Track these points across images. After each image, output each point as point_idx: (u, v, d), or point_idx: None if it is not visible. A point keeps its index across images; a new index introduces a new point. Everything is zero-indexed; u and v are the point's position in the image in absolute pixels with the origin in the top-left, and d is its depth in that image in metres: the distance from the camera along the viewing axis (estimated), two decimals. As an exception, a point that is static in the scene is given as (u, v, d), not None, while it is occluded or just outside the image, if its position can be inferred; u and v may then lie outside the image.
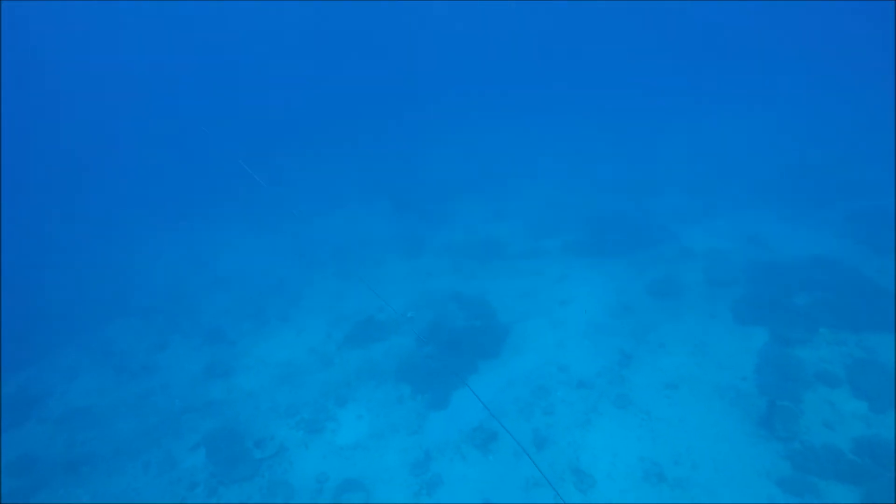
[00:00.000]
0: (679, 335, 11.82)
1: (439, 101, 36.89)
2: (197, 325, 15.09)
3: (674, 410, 9.86)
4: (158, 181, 29.04)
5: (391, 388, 11.67)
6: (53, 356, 14.89)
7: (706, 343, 11.34)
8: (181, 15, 43.19)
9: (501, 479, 9.19)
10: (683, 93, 33.26)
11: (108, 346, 14.95)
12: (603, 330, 12.64)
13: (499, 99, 36.55)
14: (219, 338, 14.23)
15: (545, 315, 13.50)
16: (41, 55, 40.51)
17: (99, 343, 15.21)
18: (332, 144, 29.68)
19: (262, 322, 14.63)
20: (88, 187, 29.84)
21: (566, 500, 8.52)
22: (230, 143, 30.46)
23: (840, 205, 16.49)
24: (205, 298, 16.50)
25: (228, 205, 24.00)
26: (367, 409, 11.21)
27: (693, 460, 8.79)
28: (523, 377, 11.53)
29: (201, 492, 9.89)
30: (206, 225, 22.69)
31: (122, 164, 32.56)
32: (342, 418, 11.07)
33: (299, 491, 9.62)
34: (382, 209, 20.74)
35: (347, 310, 14.41)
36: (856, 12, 33.95)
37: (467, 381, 11.57)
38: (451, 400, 11.12)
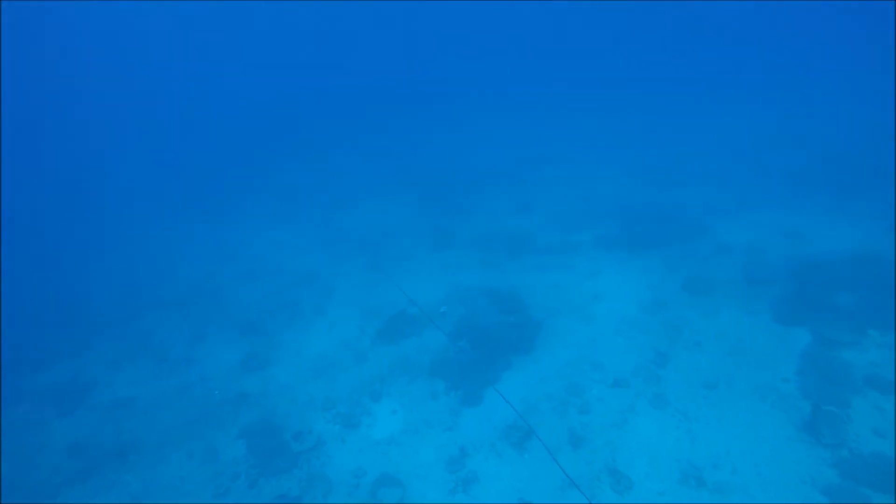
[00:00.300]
0: (716, 333, 11.64)
1: (465, 93, 36.65)
2: (232, 316, 15.41)
3: (712, 411, 9.75)
4: (189, 174, 29.56)
5: (425, 383, 11.78)
6: (97, 347, 15.42)
7: (744, 342, 11.15)
8: (206, 12, 43.59)
9: (537, 478, 9.23)
10: (712, 84, 32.46)
11: (147, 337, 15.40)
12: (637, 327, 12.53)
13: (525, 91, 36.12)
14: (254, 329, 14.53)
15: (577, 311, 13.43)
16: (72, 54, 41.35)
17: (138, 334, 15.68)
18: (359, 137, 29.75)
19: (296, 314, 14.87)
20: (122, 183, 30.57)
21: (600, 502, 8.53)
22: (261, 135, 30.91)
23: (881, 195, 15.94)
24: (239, 290, 16.83)
25: (258, 196, 24.33)
26: (402, 404, 11.34)
27: (733, 464, 8.69)
28: (557, 374, 11.51)
29: (242, 483, 10.18)
30: (238, 216, 23.05)
31: (155, 159, 33.28)
32: (377, 413, 11.23)
33: (337, 485, 9.81)
34: (410, 201, 20.77)
35: (379, 303, 14.55)
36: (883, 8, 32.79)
37: (499, 379, 11.63)
38: (485, 396, 11.18)
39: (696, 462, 8.88)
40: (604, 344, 12.18)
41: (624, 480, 8.82)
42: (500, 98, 35.42)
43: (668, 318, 12.52)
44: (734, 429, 9.30)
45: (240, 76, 45.14)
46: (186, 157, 32.84)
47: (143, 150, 35.89)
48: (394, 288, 14.92)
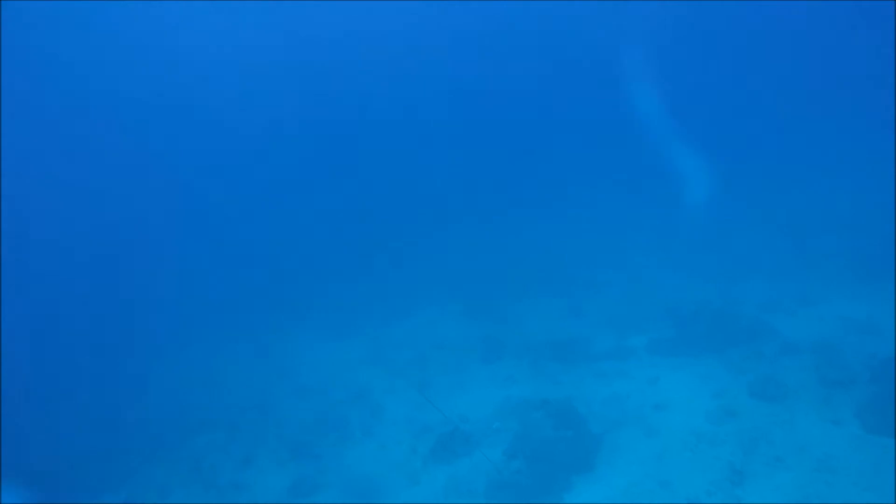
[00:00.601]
0: (797, 446, 10.64)
1: (504, 192, 37.40)
2: (281, 437, 15.22)
3: (809, 542, 8.66)
4: (236, 286, 30.43)
5: (481, 509, 11.07)
6: (147, 471, 15.36)
7: (833, 457, 10.10)
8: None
9: None
10: (755, 160, 32.14)
11: (197, 461, 15.27)
12: (705, 439, 11.64)
13: (564, 178, 36.61)
14: (303, 452, 14.25)
15: (639, 423, 12.69)
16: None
17: (188, 458, 15.58)
18: (402, 246, 30.54)
19: (345, 435, 14.57)
20: (166, 295, 31.50)
21: None
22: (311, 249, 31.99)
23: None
24: (288, 408, 16.75)
25: (309, 309, 24.83)
26: (458, 534, 10.62)
27: None
28: (623, 495, 10.67)
29: None
30: (285, 331, 23.41)
31: (204, 269, 34.32)
32: (432, 546, 10.51)
33: None
34: (457, 311, 20.81)
35: (430, 420, 14.12)
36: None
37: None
38: (548, 525, 10.36)
39: None
40: (671, 460, 11.31)
41: None
42: (541, 189, 35.76)
43: (739, 428, 11.60)
44: (839, 564, 8.18)
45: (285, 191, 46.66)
46: (236, 268, 33.91)
47: (192, 259, 36.88)
48: (445, 403, 14.57)
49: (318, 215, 39.92)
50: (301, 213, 40.59)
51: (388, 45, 49.10)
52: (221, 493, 13.57)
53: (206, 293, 30.95)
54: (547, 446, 12.45)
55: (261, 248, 35.64)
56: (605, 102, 44.90)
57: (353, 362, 18.53)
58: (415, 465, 12.77)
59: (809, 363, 12.99)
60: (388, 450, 13.59)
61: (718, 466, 10.74)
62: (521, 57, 48.51)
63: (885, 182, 23.24)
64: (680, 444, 11.68)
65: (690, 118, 43.05)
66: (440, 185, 40.90)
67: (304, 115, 49.29)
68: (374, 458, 13.45)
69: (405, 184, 42.08)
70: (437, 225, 33.06)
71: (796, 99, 39.28)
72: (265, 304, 27.23)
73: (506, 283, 22.21)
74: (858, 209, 21.62)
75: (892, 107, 30.76)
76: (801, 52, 42.65)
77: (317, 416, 15.87)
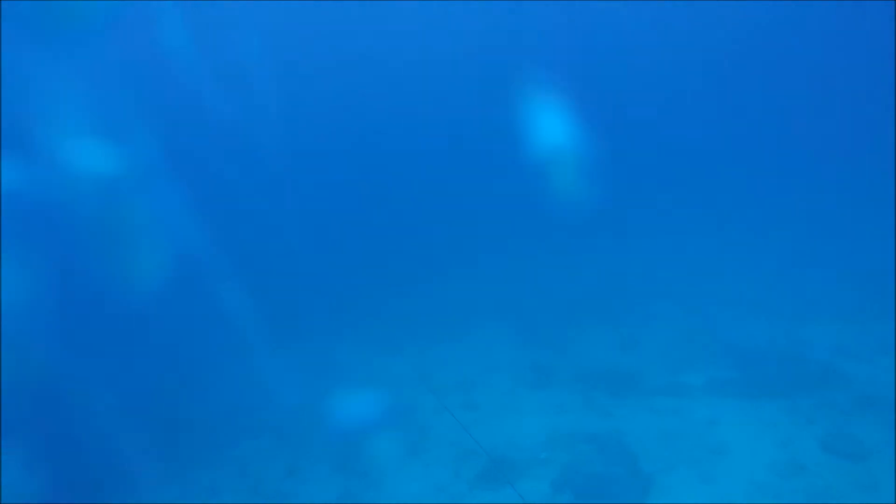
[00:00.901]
0: (878, 512, 9.79)
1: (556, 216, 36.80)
2: (326, 450, 15.32)
3: None
4: (291, 294, 30.91)
5: (526, 544, 10.72)
6: (195, 473, 15.72)
7: (920, 527, 9.22)
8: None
9: None
10: (832, 191, 30.22)
11: (243, 466, 15.57)
12: (770, 493, 10.89)
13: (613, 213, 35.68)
14: (348, 467, 14.26)
15: (694, 466, 12.03)
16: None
17: (234, 462, 15.89)
18: (454, 265, 30.42)
19: (390, 452, 14.47)
20: (221, 303, 32.24)
21: None
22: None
23: None
24: (333, 421, 16.83)
25: (356, 322, 24.98)
26: (501, 568, 10.30)
27: None
28: (678, 545, 10.07)
29: None
30: (333, 342, 23.63)
31: (249, 280, 34.90)
32: (474, 577, 10.23)
33: None
34: (507, 335, 20.53)
35: (477, 445, 13.91)
36: None
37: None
38: (596, 568, 9.90)
39: None
40: (731, 511, 10.64)
41: None
42: (601, 213, 34.82)
43: (810, 485, 10.80)
44: None
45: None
46: (287, 276, 34.30)
47: (241, 268, 37.28)
48: (492, 428, 14.34)
49: (376, 230, 40.31)
50: (360, 227, 41.05)
51: (444, 52, 49.02)
52: (268, 500, 13.75)
53: (259, 300, 31.64)
54: (596, 482, 12.06)
55: (313, 256, 36.15)
56: (672, 129, 43.86)
57: (400, 379, 18.53)
58: (459, 489, 12.55)
59: (892, 419, 11.99)
60: (432, 471, 13.43)
61: (784, 524, 10.03)
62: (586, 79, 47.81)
63: None
64: (739, 495, 10.99)
65: (758, 149, 41.48)
66: (497, 205, 40.66)
67: (358, 125, 49.97)
68: (417, 478, 13.31)
69: (462, 204, 42.02)
70: (492, 244, 32.80)
71: (875, 133, 37.11)
72: (317, 313, 27.65)
73: (558, 309, 21.79)
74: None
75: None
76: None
77: (363, 430, 15.91)
